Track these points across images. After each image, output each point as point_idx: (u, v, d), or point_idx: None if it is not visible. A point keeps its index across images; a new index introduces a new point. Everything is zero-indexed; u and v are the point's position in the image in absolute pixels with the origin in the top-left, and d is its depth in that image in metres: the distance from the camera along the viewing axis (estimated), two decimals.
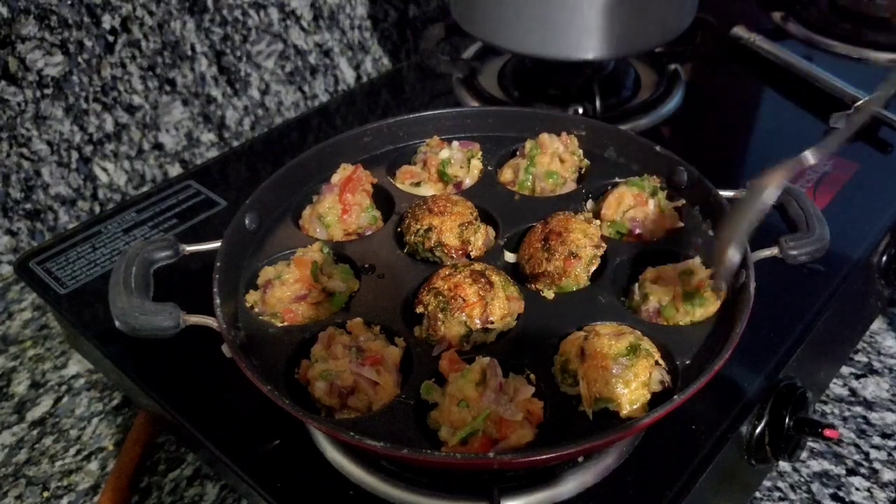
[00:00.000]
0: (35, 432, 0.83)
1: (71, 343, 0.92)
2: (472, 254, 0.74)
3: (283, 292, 0.69)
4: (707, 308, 0.67)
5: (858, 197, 0.90)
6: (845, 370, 0.86)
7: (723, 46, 1.21)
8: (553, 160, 0.82)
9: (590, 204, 0.80)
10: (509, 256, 0.75)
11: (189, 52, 1.11)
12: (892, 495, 0.74)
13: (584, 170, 0.84)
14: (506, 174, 0.84)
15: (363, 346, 0.64)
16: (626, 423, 0.58)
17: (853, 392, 0.84)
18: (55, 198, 1.05)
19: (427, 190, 0.83)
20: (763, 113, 1.09)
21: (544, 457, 0.55)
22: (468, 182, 0.83)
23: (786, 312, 0.76)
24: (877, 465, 0.76)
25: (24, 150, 1.00)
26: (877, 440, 0.79)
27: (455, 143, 0.85)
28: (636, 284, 0.70)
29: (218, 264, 0.68)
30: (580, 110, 1.04)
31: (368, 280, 0.72)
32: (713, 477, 0.64)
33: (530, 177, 0.82)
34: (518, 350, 0.65)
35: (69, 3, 0.97)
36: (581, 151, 0.85)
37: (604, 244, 0.71)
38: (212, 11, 1.11)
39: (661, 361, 0.62)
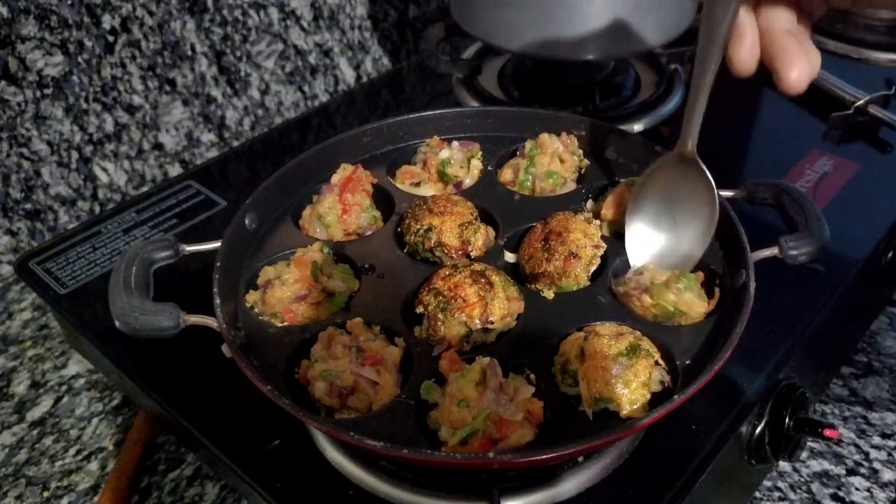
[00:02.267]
0: (35, 432, 0.83)
1: (71, 343, 0.92)
2: (472, 254, 0.74)
3: (283, 292, 0.69)
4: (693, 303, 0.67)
5: (858, 197, 0.90)
6: (845, 370, 0.86)
7: None
8: (553, 160, 0.82)
9: (590, 204, 0.80)
10: (509, 256, 0.75)
11: (189, 52, 1.11)
12: (892, 495, 0.74)
13: (584, 170, 0.84)
14: (506, 174, 0.84)
15: (363, 346, 0.64)
16: (626, 423, 0.58)
17: (853, 392, 0.84)
18: (55, 198, 1.05)
19: (427, 190, 0.83)
20: (763, 113, 1.09)
21: (544, 457, 0.55)
22: (468, 182, 0.83)
23: (786, 312, 0.76)
24: (877, 465, 0.76)
25: (24, 150, 1.00)
26: (877, 440, 0.79)
27: (455, 143, 0.85)
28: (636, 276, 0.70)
29: (218, 264, 0.68)
30: (580, 110, 1.04)
31: (368, 280, 0.72)
32: (713, 477, 0.64)
33: (530, 177, 0.82)
34: (518, 350, 0.65)
35: (69, 3, 0.97)
36: (581, 151, 0.85)
37: (604, 244, 0.71)
38: (212, 11, 1.11)
39: (661, 361, 0.62)
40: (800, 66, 0.58)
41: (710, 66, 0.60)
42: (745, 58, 0.59)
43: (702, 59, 0.60)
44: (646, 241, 0.72)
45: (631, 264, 0.72)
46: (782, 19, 0.59)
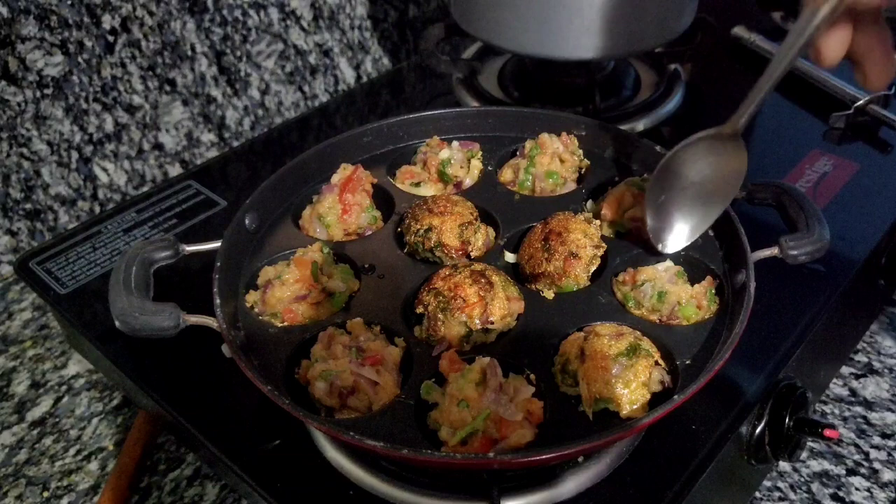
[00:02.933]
0: (35, 432, 0.83)
1: (71, 343, 0.92)
2: (472, 254, 0.74)
3: (283, 292, 0.69)
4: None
5: (858, 197, 0.90)
6: (845, 370, 0.86)
7: (723, 46, 1.21)
8: (553, 160, 0.82)
9: (590, 204, 0.80)
10: (509, 256, 0.75)
11: (189, 52, 1.11)
12: (892, 495, 0.74)
13: (584, 170, 0.84)
14: (506, 174, 0.84)
15: (363, 346, 0.64)
16: (626, 423, 0.58)
17: (853, 392, 0.84)
18: (55, 198, 1.05)
19: (427, 190, 0.83)
20: (763, 113, 1.09)
21: (544, 457, 0.55)
22: (468, 182, 0.83)
23: (786, 312, 0.76)
24: (877, 465, 0.76)
25: (24, 150, 1.00)
26: (877, 440, 0.79)
27: (455, 143, 0.85)
28: (648, 284, 0.70)
29: (218, 264, 0.68)
30: (580, 110, 1.04)
31: (368, 280, 0.72)
32: (713, 477, 0.64)
33: (530, 177, 0.82)
34: (518, 350, 0.65)
35: (69, 3, 0.97)
36: (581, 151, 0.85)
37: (604, 244, 0.71)
38: (212, 11, 1.11)
39: (661, 361, 0.62)
40: (883, 65, 0.57)
41: (794, 53, 0.58)
42: (836, 49, 0.58)
43: (789, 45, 0.58)
44: (667, 212, 0.71)
45: (651, 231, 0.71)
46: (877, 23, 0.57)
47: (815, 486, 0.75)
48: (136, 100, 1.08)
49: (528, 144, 0.84)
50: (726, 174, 0.69)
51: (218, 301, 0.65)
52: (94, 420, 0.84)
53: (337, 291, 0.70)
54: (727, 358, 0.59)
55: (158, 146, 1.13)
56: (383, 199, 0.81)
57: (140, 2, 1.03)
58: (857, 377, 0.85)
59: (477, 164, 0.84)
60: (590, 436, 0.55)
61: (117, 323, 0.63)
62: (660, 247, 0.72)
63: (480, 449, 0.57)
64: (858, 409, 0.82)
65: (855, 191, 0.91)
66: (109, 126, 1.07)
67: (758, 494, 0.75)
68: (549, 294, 0.69)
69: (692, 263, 0.72)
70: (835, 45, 0.57)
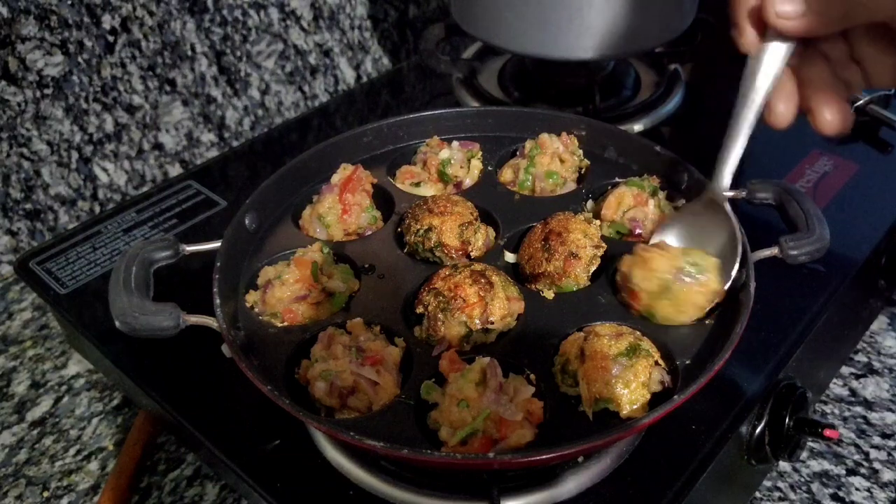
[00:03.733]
0: (35, 432, 0.83)
1: (71, 343, 0.92)
2: (473, 254, 0.74)
3: (284, 292, 0.69)
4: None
5: (858, 197, 0.90)
6: (845, 370, 0.86)
7: (723, 46, 1.20)
8: (553, 160, 0.82)
9: (590, 204, 0.80)
10: (509, 256, 0.75)
11: (189, 52, 1.11)
12: (892, 495, 0.74)
13: (584, 170, 0.84)
14: (506, 174, 0.84)
15: (363, 346, 0.64)
16: (626, 423, 0.58)
17: (853, 392, 0.84)
18: (55, 198, 1.05)
19: (427, 190, 0.83)
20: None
21: (544, 457, 0.55)
22: (468, 182, 0.83)
23: (786, 312, 0.76)
24: (877, 465, 0.76)
25: (24, 150, 1.00)
26: (877, 440, 0.79)
27: (455, 143, 0.85)
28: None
29: (218, 264, 0.68)
30: (580, 110, 1.04)
31: (368, 280, 0.72)
32: (713, 477, 0.64)
33: (530, 177, 0.82)
34: (518, 350, 0.65)
35: (69, 3, 0.97)
36: (581, 151, 0.85)
37: (604, 244, 0.71)
38: (212, 11, 1.11)
39: (660, 361, 0.62)
40: (833, 108, 0.58)
41: (752, 113, 0.61)
42: (788, 107, 0.60)
43: (744, 102, 0.61)
44: None
45: None
46: (823, 74, 0.59)
47: (815, 486, 0.75)
48: (136, 100, 1.08)
49: (528, 144, 0.84)
50: (715, 242, 0.69)
51: (218, 301, 0.65)
52: (94, 420, 0.84)
53: (337, 291, 0.70)
54: (727, 358, 0.59)
55: (158, 146, 1.13)
56: (383, 199, 0.81)
57: (140, 2, 1.03)
58: (857, 377, 0.85)
59: (477, 164, 0.84)
60: (590, 436, 0.55)
61: (117, 323, 0.63)
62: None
63: (480, 449, 0.57)
64: (858, 409, 0.82)
65: (855, 191, 0.91)
66: (109, 126, 1.07)
67: (758, 494, 0.75)
68: (549, 294, 0.69)
69: None
70: (785, 103, 0.60)
